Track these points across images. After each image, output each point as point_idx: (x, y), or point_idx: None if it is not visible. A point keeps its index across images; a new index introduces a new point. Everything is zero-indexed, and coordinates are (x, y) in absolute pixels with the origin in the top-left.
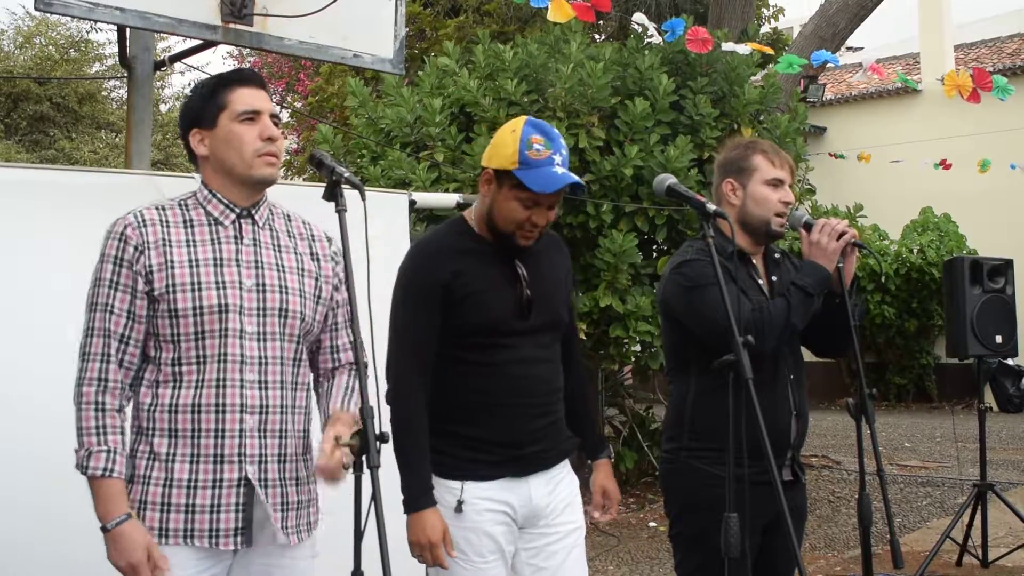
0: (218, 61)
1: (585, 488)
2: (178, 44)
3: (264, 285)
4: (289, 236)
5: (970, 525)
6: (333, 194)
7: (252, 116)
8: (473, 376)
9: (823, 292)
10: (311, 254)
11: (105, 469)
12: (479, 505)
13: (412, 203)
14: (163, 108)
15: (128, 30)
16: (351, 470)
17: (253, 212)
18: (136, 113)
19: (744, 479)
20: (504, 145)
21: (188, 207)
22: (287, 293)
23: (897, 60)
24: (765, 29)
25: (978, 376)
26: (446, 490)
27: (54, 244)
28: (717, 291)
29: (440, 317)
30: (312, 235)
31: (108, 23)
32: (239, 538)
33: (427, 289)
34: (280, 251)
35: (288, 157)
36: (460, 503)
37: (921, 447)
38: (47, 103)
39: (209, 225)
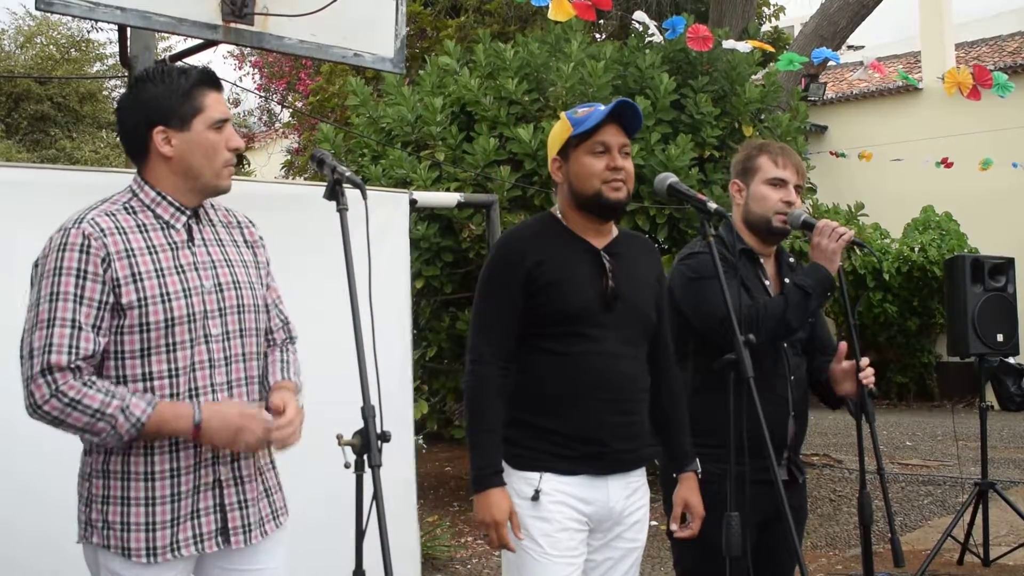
0: (218, 60)
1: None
2: (179, 43)
3: (220, 284)
4: (224, 227)
5: (971, 524)
6: (334, 193)
7: (222, 124)
8: (553, 366)
9: (824, 293)
10: (245, 242)
11: (148, 404)
12: (555, 497)
13: (413, 202)
14: None
15: (129, 29)
16: (352, 469)
17: (199, 211)
18: None
19: (743, 477)
20: (556, 132)
21: (135, 210)
22: (241, 288)
23: (898, 59)
24: (766, 28)
25: (979, 374)
26: (524, 482)
27: None
28: (718, 284)
29: (522, 304)
30: (239, 222)
31: (109, 22)
32: (219, 538)
33: (510, 275)
34: (224, 246)
35: (289, 156)
36: (537, 492)
37: (922, 446)
38: (48, 103)
39: (162, 229)
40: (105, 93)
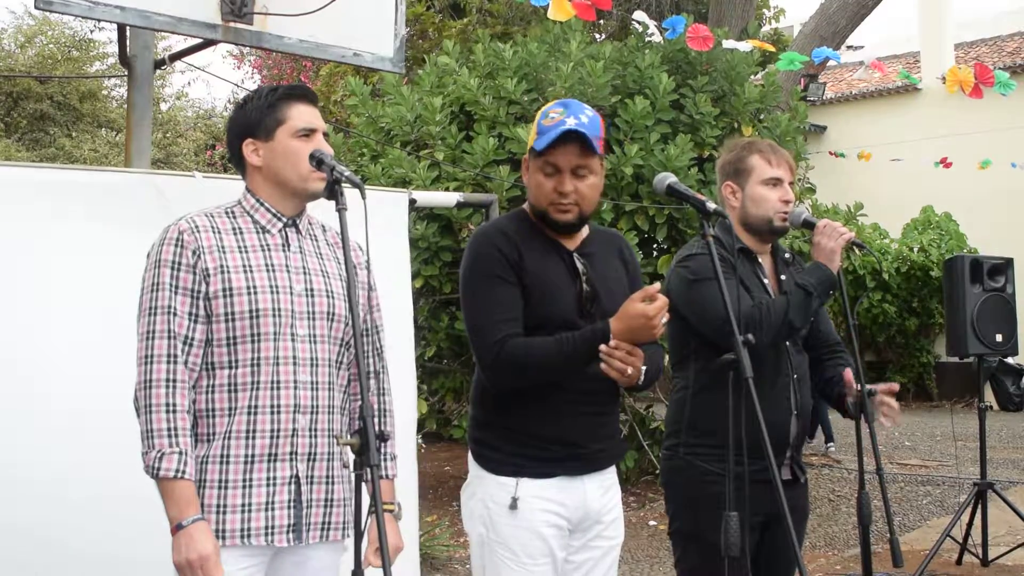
0: (218, 60)
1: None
2: (178, 43)
3: (312, 290)
4: (327, 245)
5: (970, 524)
6: (333, 192)
7: (308, 133)
8: None
9: (826, 292)
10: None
11: (177, 471)
12: (534, 504)
13: (412, 202)
14: (163, 107)
15: (128, 29)
16: (351, 469)
17: (297, 221)
18: (136, 112)
19: (743, 477)
20: (531, 129)
21: (235, 215)
22: (333, 298)
23: (897, 59)
24: (766, 29)
25: (978, 375)
26: (499, 487)
27: (54, 243)
28: (717, 286)
29: (519, 288)
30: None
31: (108, 22)
32: (291, 534)
33: (499, 262)
34: (323, 258)
35: None
36: (515, 500)
37: (921, 446)
38: (48, 102)
39: (257, 233)
40: (105, 92)
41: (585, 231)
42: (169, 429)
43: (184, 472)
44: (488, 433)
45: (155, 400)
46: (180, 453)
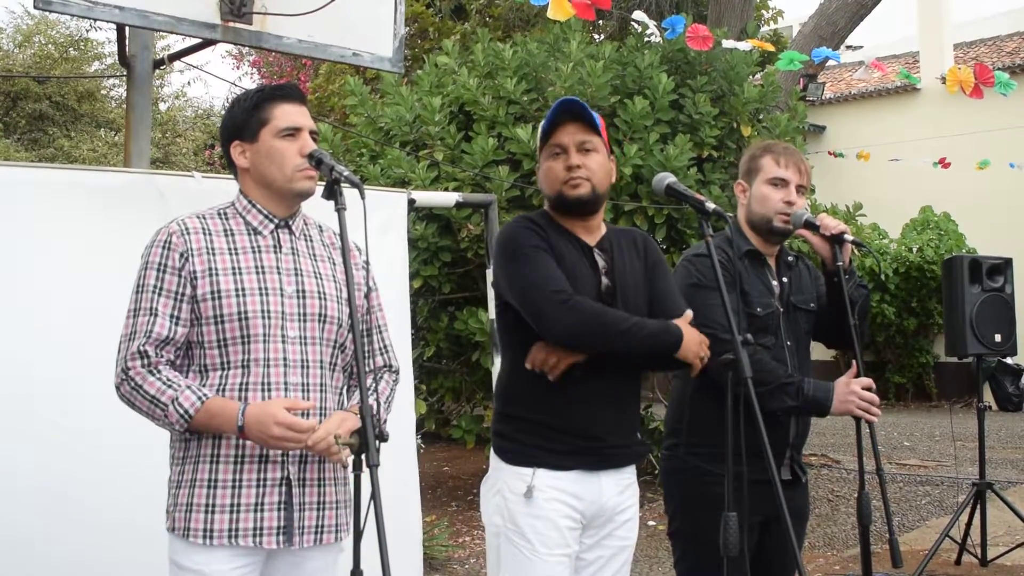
0: (217, 60)
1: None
2: (177, 43)
3: (304, 292)
4: (323, 245)
5: (969, 524)
6: (332, 192)
7: (293, 132)
8: None
9: (808, 412)
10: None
11: (199, 398)
12: (549, 494)
13: (411, 202)
14: (162, 107)
15: (127, 29)
16: (351, 468)
17: (290, 222)
18: (135, 111)
19: (743, 477)
20: (535, 134)
21: (227, 216)
22: (326, 299)
23: (897, 59)
24: (764, 30)
25: (977, 375)
26: (516, 477)
27: (53, 243)
28: (714, 295)
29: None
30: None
31: (107, 21)
32: (281, 536)
33: (539, 238)
34: (316, 260)
35: None
36: (530, 489)
37: (920, 446)
38: (46, 101)
39: (249, 234)
40: (103, 92)
41: (602, 229)
42: (164, 383)
43: (204, 395)
44: (509, 426)
45: (137, 379)
46: (187, 387)
